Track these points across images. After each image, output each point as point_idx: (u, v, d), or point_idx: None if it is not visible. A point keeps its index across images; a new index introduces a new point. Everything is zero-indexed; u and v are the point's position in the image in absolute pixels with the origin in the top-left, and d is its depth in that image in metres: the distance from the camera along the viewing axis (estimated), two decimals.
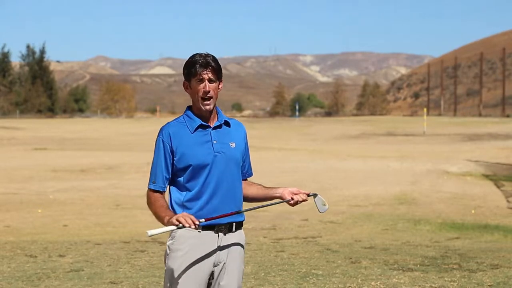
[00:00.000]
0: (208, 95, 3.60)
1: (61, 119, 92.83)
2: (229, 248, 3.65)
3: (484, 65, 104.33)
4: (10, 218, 13.04)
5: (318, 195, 3.82)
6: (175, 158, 3.61)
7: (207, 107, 3.61)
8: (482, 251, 8.84)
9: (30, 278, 7.10)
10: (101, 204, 15.23)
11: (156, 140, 3.67)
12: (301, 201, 3.76)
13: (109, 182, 19.77)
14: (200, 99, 3.60)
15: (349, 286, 6.61)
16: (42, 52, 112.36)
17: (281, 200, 3.77)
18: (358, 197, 16.27)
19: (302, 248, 9.07)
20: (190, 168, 3.58)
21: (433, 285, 6.66)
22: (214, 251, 3.61)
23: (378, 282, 6.76)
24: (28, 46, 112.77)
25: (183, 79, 3.71)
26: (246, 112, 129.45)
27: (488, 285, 6.60)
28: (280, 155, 30.87)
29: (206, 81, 3.60)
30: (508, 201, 15.58)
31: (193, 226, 3.41)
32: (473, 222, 12.37)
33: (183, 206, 3.60)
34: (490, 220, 12.68)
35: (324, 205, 3.82)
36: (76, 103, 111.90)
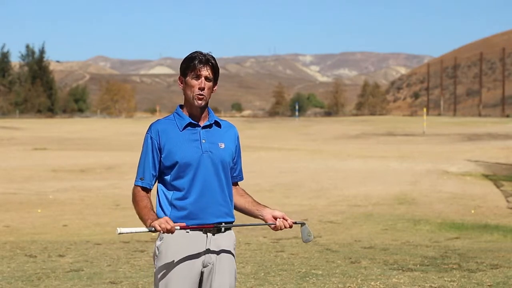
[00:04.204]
0: (202, 92, 3.56)
1: (61, 119, 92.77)
2: (219, 248, 3.61)
3: (484, 65, 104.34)
4: (10, 218, 13.04)
5: (306, 225, 3.71)
6: (162, 156, 3.58)
7: (200, 102, 3.56)
8: (482, 251, 8.84)
9: (30, 278, 7.10)
10: (101, 204, 15.24)
11: (145, 137, 3.65)
12: (283, 228, 3.64)
13: (109, 182, 19.78)
14: (194, 95, 3.57)
15: (349, 286, 6.61)
16: (42, 52, 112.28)
17: (264, 223, 3.66)
18: (358, 197, 16.27)
19: (302, 248, 9.07)
20: (177, 165, 3.54)
21: (433, 285, 6.66)
22: (202, 252, 3.57)
23: (378, 282, 6.75)
24: (27, 46, 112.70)
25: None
26: (246, 112, 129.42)
27: (488, 285, 6.60)
28: (280, 155, 30.87)
29: (203, 78, 3.56)
30: (507, 201, 15.58)
31: (165, 232, 3.43)
32: (472, 222, 12.37)
33: (172, 205, 3.58)
34: (489, 220, 12.68)
35: (309, 235, 3.69)
36: (76, 103, 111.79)
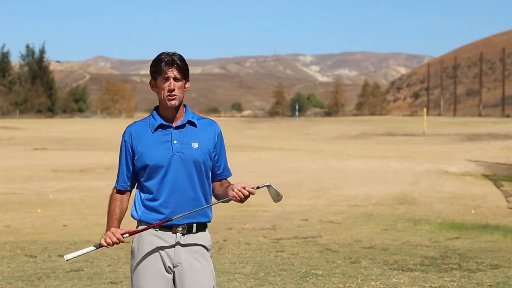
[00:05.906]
0: (173, 93, 3.57)
1: (61, 119, 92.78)
2: (189, 249, 3.60)
3: (484, 65, 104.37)
4: (10, 218, 13.05)
5: (271, 185, 3.64)
6: (135, 158, 3.64)
7: (172, 102, 3.57)
8: (482, 251, 8.84)
9: (30, 278, 7.10)
10: (101, 204, 15.24)
11: (121, 139, 3.71)
12: (244, 196, 3.54)
13: (109, 182, 19.77)
14: (165, 97, 3.58)
15: (349, 286, 6.61)
16: (42, 52, 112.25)
17: (227, 198, 3.59)
18: (358, 197, 16.27)
19: (302, 248, 9.07)
20: (148, 168, 3.58)
21: (433, 285, 6.66)
22: (171, 252, 3.58)
23: (378, 282, 6.75)
24: (27, 46, 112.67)
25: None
26: (246, 112, 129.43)
27: (488, 285, 6.60)
28: (280, 155, 30.87)
29: (171, 80, 3.58)
30: (507, 201, 15.59)
31: (110, 245, 3.51)
32: (473, 222, 12.37)
33: (144, 206, 3.63)
34: (489, 220, 12.68)
35: (277, 195, 3.66)
36: (76, 103, 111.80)
